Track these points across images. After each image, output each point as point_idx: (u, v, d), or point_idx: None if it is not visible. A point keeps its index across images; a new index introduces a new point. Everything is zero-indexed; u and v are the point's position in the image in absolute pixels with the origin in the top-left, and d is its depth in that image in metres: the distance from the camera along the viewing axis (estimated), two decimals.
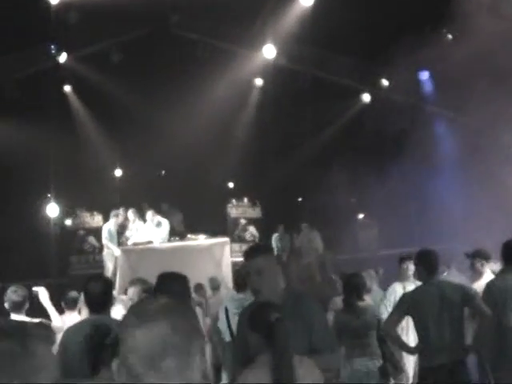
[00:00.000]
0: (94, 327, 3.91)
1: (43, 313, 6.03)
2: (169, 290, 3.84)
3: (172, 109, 14.10)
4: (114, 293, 8.34)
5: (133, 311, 1.48)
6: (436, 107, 14.80)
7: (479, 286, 6.36)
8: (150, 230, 12.56)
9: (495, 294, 5.46)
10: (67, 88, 14.84)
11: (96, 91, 14.01)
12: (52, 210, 14.33)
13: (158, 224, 12.66)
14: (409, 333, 6.57)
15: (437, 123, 14.55)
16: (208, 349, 7.96)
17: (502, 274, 5.70)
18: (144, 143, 14.77)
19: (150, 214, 12.69)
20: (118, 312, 6.08)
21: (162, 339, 1.38)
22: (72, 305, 6.80)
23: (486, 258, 6.65)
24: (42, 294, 5.99)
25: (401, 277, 7.29)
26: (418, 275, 5.68)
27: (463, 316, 5.32)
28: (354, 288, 5.94)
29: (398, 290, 6.99)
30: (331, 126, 16.15)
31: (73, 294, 6.95)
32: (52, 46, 13.32)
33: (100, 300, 4.40)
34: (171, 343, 1.39)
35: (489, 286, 5.65)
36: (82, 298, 5.51)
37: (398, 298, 5.95)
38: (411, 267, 6.77)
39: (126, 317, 1.49)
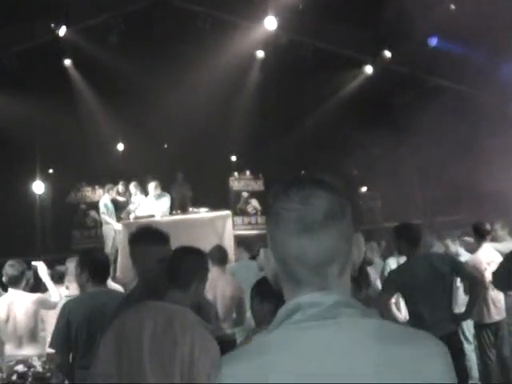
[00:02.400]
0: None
1: (40, 287, 6.03)
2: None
3: (173, 81, 13.96)
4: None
5: (293, 218, 1.35)
6: (442, 78, 14.62)
7: (474, 258, 6.43)
8: (152, 204, 12.51)
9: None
10: (67, 61, 14.68)
11: (96, 64, 13.86)
12: (38, 187, 14.34)
13: (160, 197, 12.60)
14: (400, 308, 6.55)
15: (443, 94, 14.33)
16: None
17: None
18: (146, 116, 14.67)
19: (151, 188, 12.61)
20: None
21: (331, 248, 1.34)
22: (60, 279, 6.78)
23: (483, 232, 6.63)
24: (41, 268, 5.99)
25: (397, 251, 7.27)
26: (399, 250, 5.54)
27: (453, 287, 5.30)
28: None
29: (391, 265, 6.96)
30: (333, 97, 16.01)
31: (61, 268, 6.95)
32: (52, 19, 13.14)
33: (106, 270, 4.50)
34: (339, 250, 1.36)
35: None
36: (70, 272, 5.48)
37: None
38: None
39: (284, 222, 1.36)
